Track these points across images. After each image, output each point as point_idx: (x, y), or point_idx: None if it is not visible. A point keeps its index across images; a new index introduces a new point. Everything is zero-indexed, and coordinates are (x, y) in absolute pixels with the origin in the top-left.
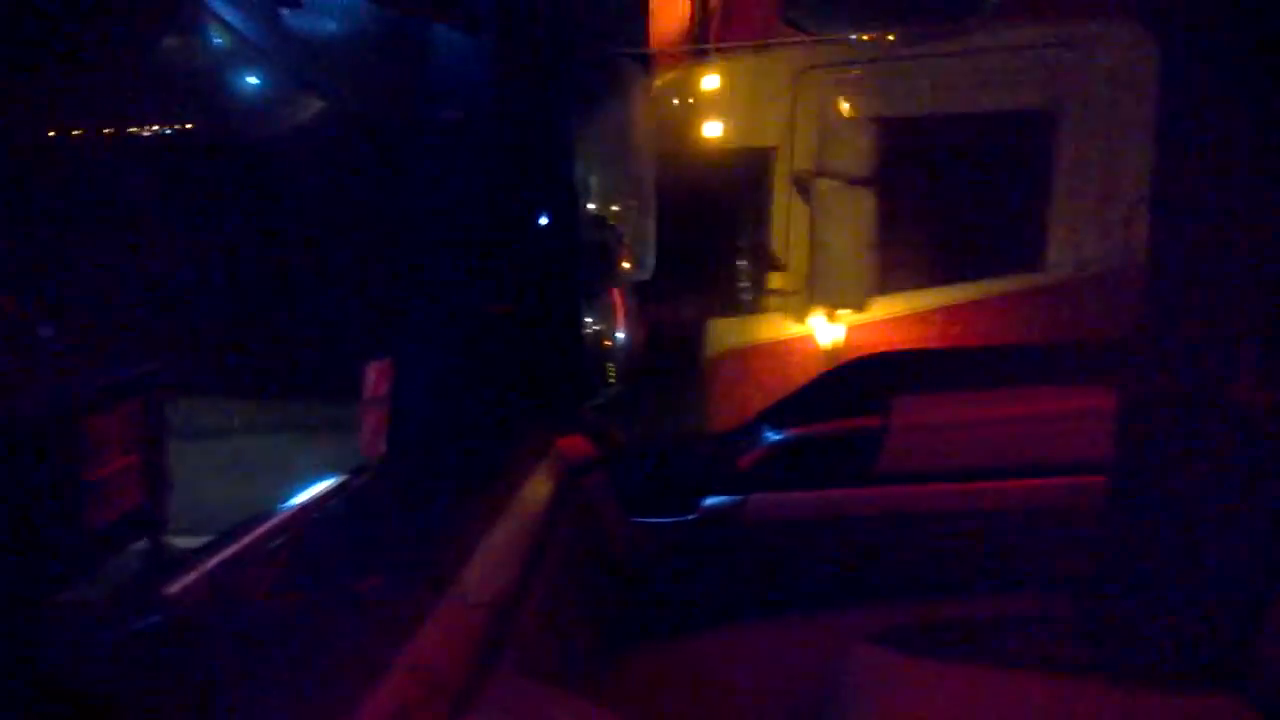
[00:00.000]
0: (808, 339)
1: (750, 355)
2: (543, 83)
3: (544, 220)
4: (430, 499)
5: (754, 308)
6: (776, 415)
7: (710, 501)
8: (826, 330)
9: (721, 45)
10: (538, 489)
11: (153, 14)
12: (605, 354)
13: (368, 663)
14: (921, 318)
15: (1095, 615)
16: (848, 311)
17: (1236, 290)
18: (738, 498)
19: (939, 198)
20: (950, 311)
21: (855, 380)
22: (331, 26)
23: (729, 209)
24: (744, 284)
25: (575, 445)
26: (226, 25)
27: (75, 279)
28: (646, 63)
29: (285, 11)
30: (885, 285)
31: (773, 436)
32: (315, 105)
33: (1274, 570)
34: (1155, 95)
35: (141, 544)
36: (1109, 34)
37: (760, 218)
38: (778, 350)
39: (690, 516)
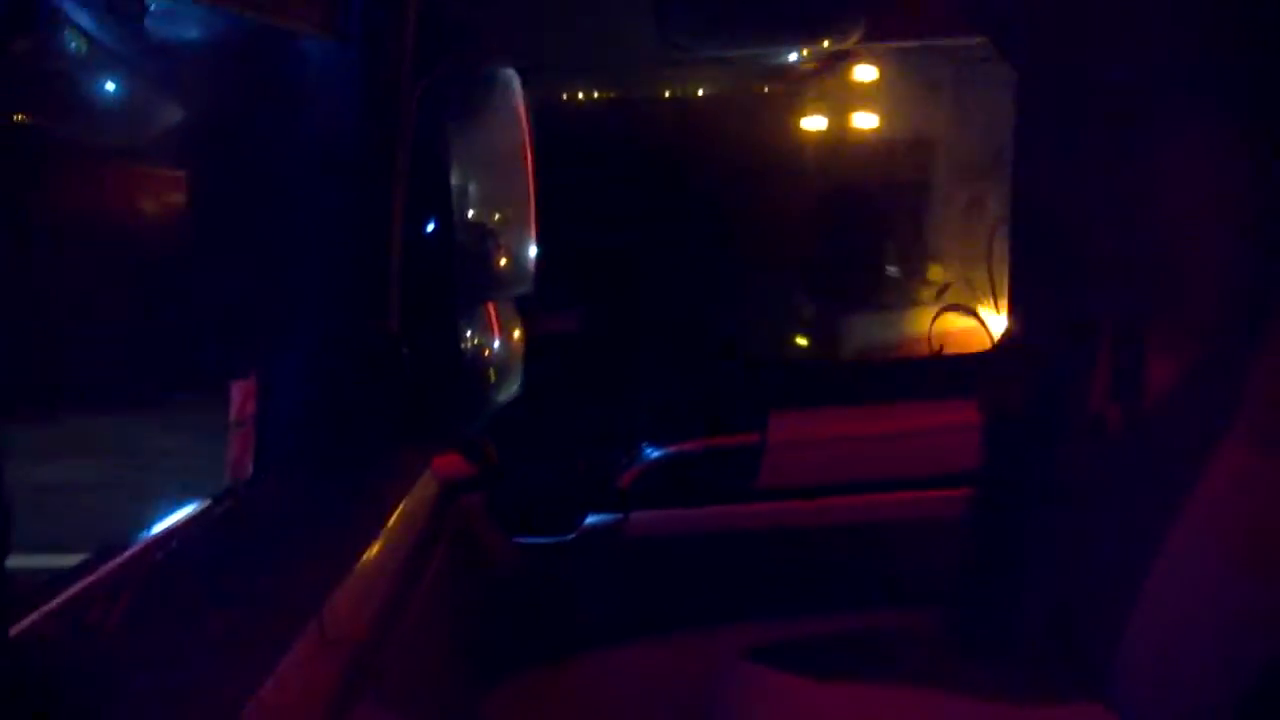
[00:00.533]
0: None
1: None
2: (411, 93)
3: (415, 231)
4: (295, 526)
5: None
6: (653, 430)
7: (591, 520)
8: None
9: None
10: (411, 510)
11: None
12: (484, 369)
13: (219, 703)
14: None
15: (963, 628)
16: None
17: (1090, 304)
18: (618, 515)
19: None
20: None
21: (732, 395)
22: (194, 34)
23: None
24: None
25: (452, 464)
26: (82, 30)
27: None
28: (525, 73)
29: (146, 18)
30: None
31: (652, 453)
32: (177, 113)
33: (1133, 580)
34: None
35: None
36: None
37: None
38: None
39: (570, 536)
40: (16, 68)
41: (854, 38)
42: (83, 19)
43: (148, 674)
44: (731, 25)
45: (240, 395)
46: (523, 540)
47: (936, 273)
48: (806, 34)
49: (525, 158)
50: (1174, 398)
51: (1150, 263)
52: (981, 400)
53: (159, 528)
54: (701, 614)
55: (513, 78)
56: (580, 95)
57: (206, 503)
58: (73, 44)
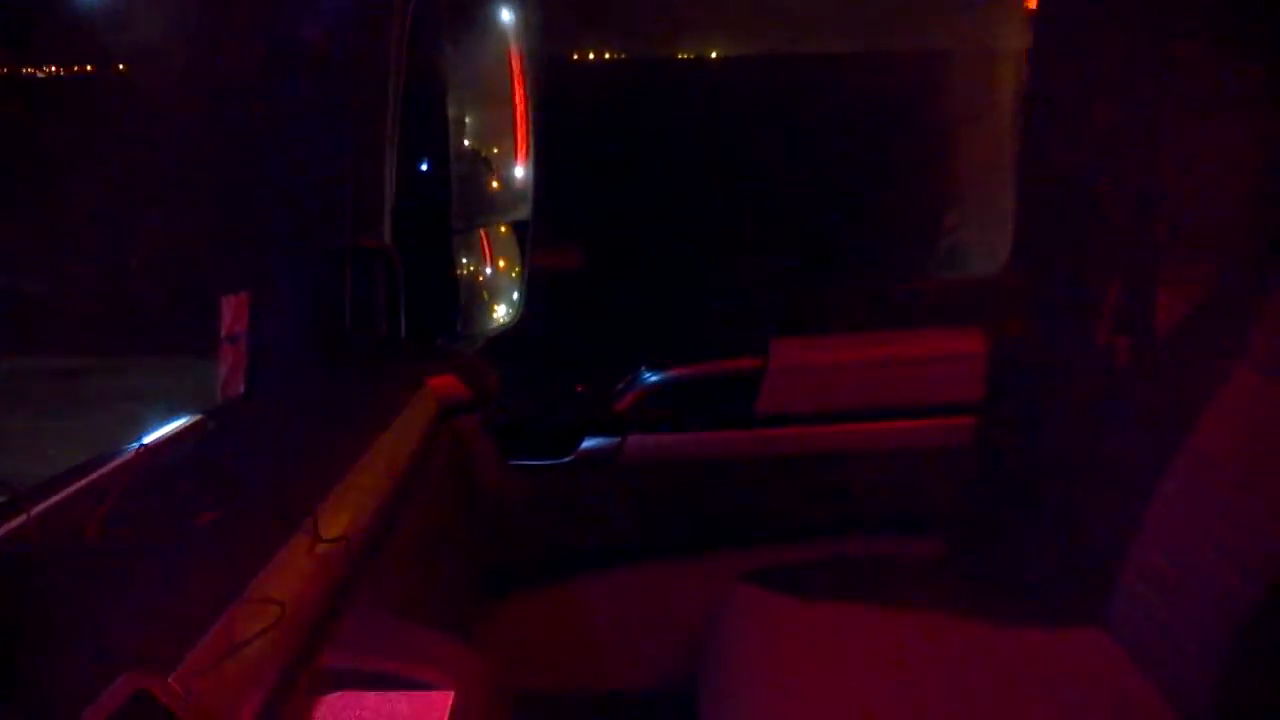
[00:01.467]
0: None
1: None
2: (406, 10)
3: (413, 151)
4: (289, 437)
5: None
6: (654, 355)
7: (587, 443)
8: None
9: None
10: (406, 429)
11: None
12: (479, 293)
13: (208, 596)
14: None
15: (964, 556)
16: None
17: (1098, 235)
18: (615, 439)
19: None
20: None
21: (733, 321)
22: None
23: None
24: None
25: (447, 385)
26: None
27: None
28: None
29: None
30: None
31: (650, 377)
32: (165, 19)
33: (1136, 509)
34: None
35: None
36: None
37: None
38: None
39: (567, 458)
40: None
41: None
42: None
43: (132, 573)
44: None
45: (231, 310)
46: (519, 462)
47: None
48: None
49: (516, 81)
50: (1182, 330)
51: (1160, 196)
52: (987, 328)
53: (149, 438)
54: (700, 539)
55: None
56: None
57: (197, 416)
58: None
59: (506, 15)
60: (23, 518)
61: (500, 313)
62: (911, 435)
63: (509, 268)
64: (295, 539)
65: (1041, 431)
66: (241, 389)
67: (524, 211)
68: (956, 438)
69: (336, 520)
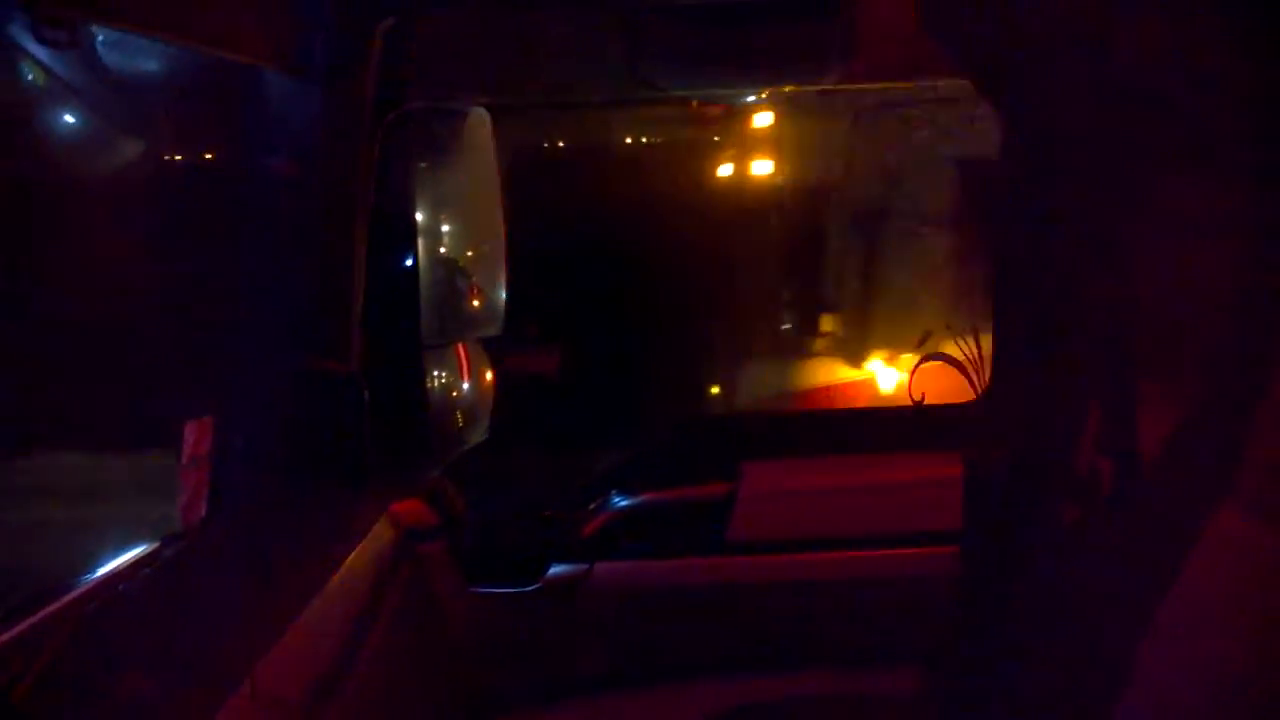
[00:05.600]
0: (867, 383)
1: (800, 400)
2: (375, 129)
3: (380, 270)
4: (243, 573)
5: (800, 352)
6: (621, 479)
7: (554, 570)
8: (888, 374)
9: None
10: (367, 558)
11: None
12: (451, 411)
13: None
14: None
15: (943, 692)
16: (909, 355)
17: (1078, 357)
18: (582, 566)
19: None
20: None
21: (703, 444)
22: (152, 67)
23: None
24: (787, 327)
25: (412, 511)
26: (37, 62)
27: None
28: (496, 111)
29: (102, 50)
30: (951, 328)
31: (619, 502)
32: (136, 148)
33: (1123, 650)
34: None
35: None
36: None
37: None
38: (830, 395)
39: (533, 586)
40: None
41: (831, 79)
42: (37, 50)
43: None
44: (705, 65)
45: (194, 435)
46: (483, 590)
47: (828, 323)
48: (782, 74)
49: (496, 196)
50: (1167, 457)
51: (1142, 315)
52: (965, 454)
53: (103, 570)
54: (668, 670)
55: (484, 115)
56: (547, 139)
57: (154, 545)
58: (29, 75)
59: (481, 126)
60: None
61: (469, 431)
62: (888, 565)
63: (480, 383)
64: (230, 705)
65: (1022, 563)
66: (202, 513)
67: (496, 325)
68: (934, 567)
69: (281, 675)
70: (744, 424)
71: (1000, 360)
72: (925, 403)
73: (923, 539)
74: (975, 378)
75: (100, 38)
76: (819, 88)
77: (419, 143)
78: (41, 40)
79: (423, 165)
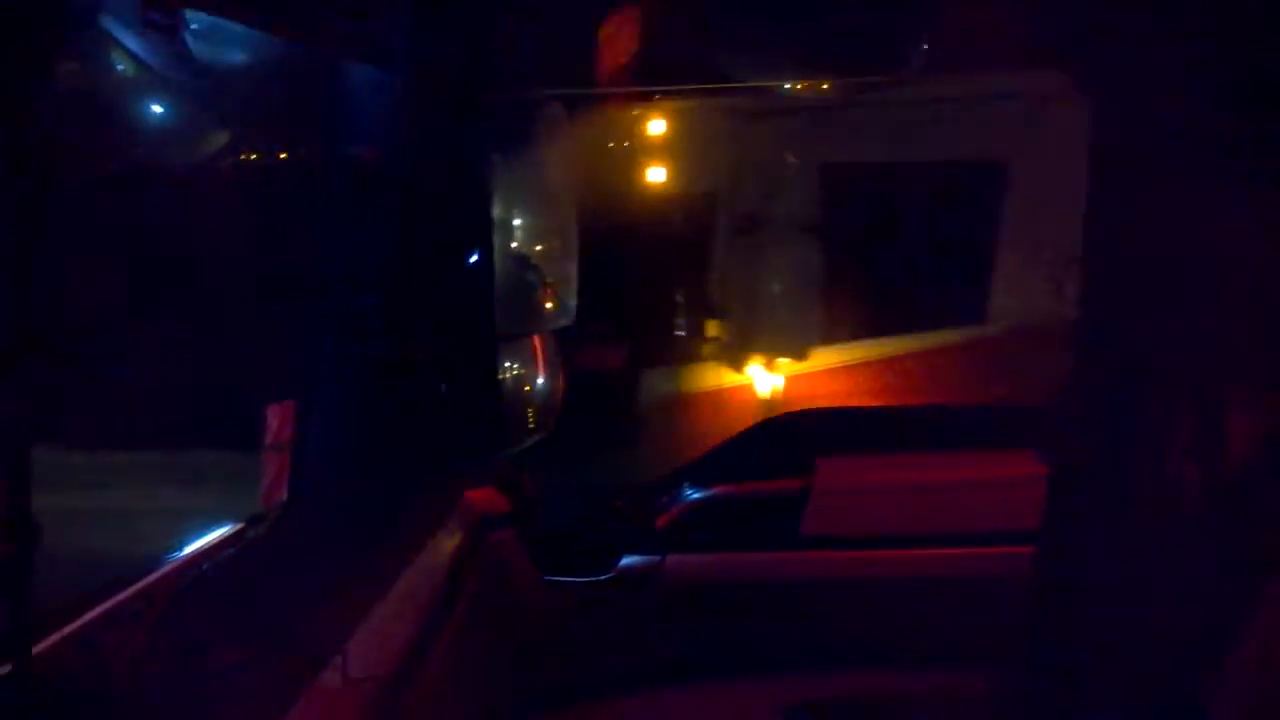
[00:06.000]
0: (745, 388)
1: (687, 404)
2: (458, 120)
3: (457, 261)
4: (325, 558)
5: (691, 356)
6: (697, 472)
7: (627, 561)
8: (765, 379)
9: (666, 89)
10: (442, 545)
11: (50, 38)
12: (524, 402)
13: None
14: (863, 368)
15: (1018, 694)
16: (787, 361)
17: (1169, 359)
18: (655, 557)
19: (885, 247)
20: (891, 363)
21: (779, 439)
22: (241, 57)
23: (662, 255)
24: (680, 332)
25: (485, 498)
26: (128, 52)
27: None
28: (572, 103)
29: (191, 40)
30: (827, 335)
31: (693, 495)
32: (222, 138)
33: (1209, 661)
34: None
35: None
36: (1060, 90)
37: (698, 264)
38: (715, 400)
39: (605, 576)
40: (63, 89)
41: (914, 67)
42: (128, 40)
43: (160, 714)
44: (781, 53)
45: (276, 419)
46: (556, 579)
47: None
48: (862, 63)
49: (570, 189)
50: (1258, 464)
51: (1238, 314)
52: (1045, 453)
53: (189, 549)
54: (738, 663)
55: (560, 109)
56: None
57: (238, 526)
58: (119, 65)
59: (557, 119)
60: (56, 636)
61: (542, 421)
62: (963, 563)
63: (552, 374)
64: (323, 680)
65: (1103, 566)
66: (284, 496)
67: (568, 318)
68: (1010, 567)
69: (367, 656)
70: (819, 420)
71: (1083, 358)
72: (1004, 401)
73: (999, 538)
74: None
75: (193, 26)
76: (895, 79)
77: (496, 135)
78: (146, 24)
79: (500, 157)
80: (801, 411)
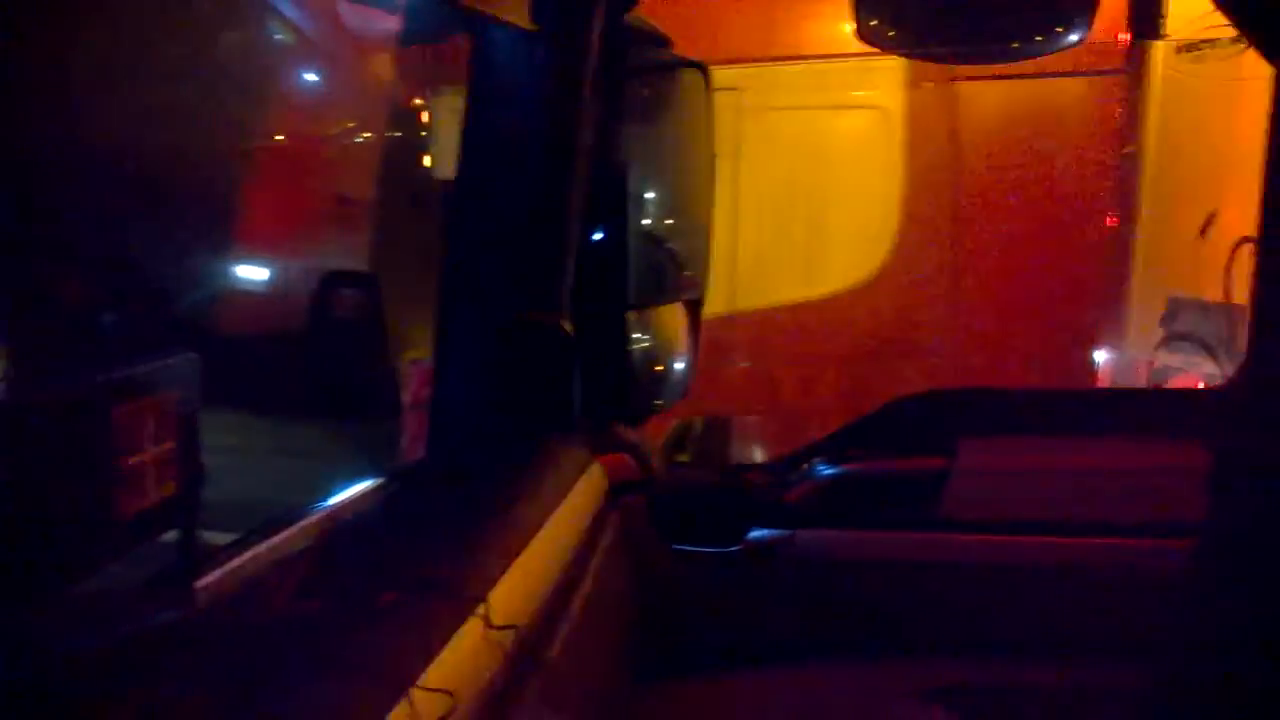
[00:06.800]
0: None
1: None
2: (597, 88)
3: (593, 227)
4: (464, 512)
5: None
6: (831, 448)
7: (755, 534)
8: None
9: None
10: (576, 508)
11: (214, 8)
12: (656, 370)
13: (388, 680)
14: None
15: (1171, 695)
16: None
17: None
18: (785, 532)
19: None
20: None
21: (915, 417)
22: (389, 25)
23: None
24: None
25: (616, 463)
26: (287, 21)
27: (133, 272)
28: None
29: (344, 8)
30: None
31: (826, 470)
32: (371, 104)
33: None
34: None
35: (172, 536)
36: None
37: None
38: None
39: (733, 548)
40: (227, 59)
41: (1084, 32)
42: (286, 8)
43: (317, 649)
44: (943, 17)
45: (417, 379)
46: (683, 548)
47: None
48: (1033, 27)
49: (709, 158)
50: None
51: None
52: (1212, 443)
53: (334, 500)
54: (867, 644)
55: (699, 75)
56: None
57: (380, 480)
58: (278, 35)
59: (697, 84)
60: (219, 571)
61: (671, 390)
62: (1112, 553)
63: (682, 344)
64: (468, 625)
65: (1270, 567)
66: (422, 453)
67: (700, 290)
68: (1165, 562)
69: (508, 606)
70: (957, 398)
71: (1259, 345)
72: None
73: (1150, 529)
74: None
75: None
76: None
77: (636, 101)
78: None
79: (639, 124)
80: (939, 389)
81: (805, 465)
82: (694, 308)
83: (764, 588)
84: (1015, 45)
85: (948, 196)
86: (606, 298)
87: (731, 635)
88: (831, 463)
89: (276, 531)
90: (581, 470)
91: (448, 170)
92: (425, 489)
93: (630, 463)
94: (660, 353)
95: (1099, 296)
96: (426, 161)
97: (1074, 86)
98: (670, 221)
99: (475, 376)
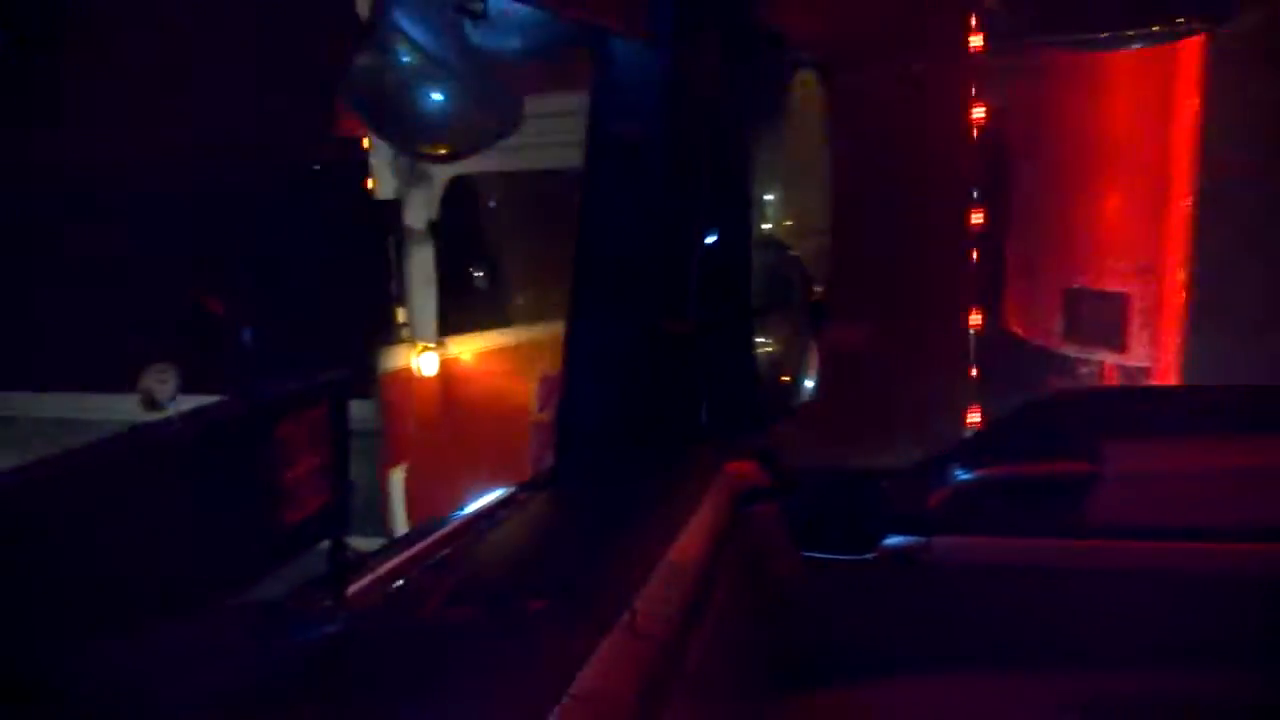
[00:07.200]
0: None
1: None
2: (717, 97)
3: (716, 235)
4: (600, 521)
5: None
6: (967, 453)
7: (891, 541)
8: (429, 359)
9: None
10: (708, 515)
11: (349, 32)
12: (781, 377)
13: (537, 689)
14: (491, 354)
15: None
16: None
17: None
18: (922, 539)
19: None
20: (515, 350)
21: (1053, 420)
22: (514, 43)
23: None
24: None
25: (746, 471)
26: (413, 42)
27: (271, 290)
28: (826, 71)
29: (469, 27)
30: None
31: (963, 475)
32: (494, 122)
33: None
34: None
35: (324, 545)
36: None
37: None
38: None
39: (868, 555)
40: (357, 80)
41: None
42: (414, 30)
43: (471, 653)
44: (1070, 7)
45: (545, 391)
46: (815, 555)
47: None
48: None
49: (826, 161)
50: None
51: None
52: None
53: (469, 509)
54: (1005, 654)
55: (816, 78)
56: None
57: (511, 490)
58: (405, 57)
59: (815, 87)
60: (369, 578)
61: (796, 396)
62: (1266, 560)
63: (807, 351)
64: (615, 634)
65: None
66: (550, 464)
67: (822, 293)
68: None
69: (649, 615)
70: (1094, 400)
71: None
72: None
73: None
74: None
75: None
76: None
77: (754, 107)
78: (460, 10)
79: (758, 127)
80: (1073, 391)
81: (941, 471)
82: (817, 311)
83: (900, 596)
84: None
85: None
86: (730, 304)
87: (866, 644)
88: (968, 468)
89: (420, 539)
90: (712, 478)
91: None
92: (557, 497)
93: (760, 469)
94: (785, 358)
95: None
96: None
97: None
98: (792, 225)
99: (603, 385)
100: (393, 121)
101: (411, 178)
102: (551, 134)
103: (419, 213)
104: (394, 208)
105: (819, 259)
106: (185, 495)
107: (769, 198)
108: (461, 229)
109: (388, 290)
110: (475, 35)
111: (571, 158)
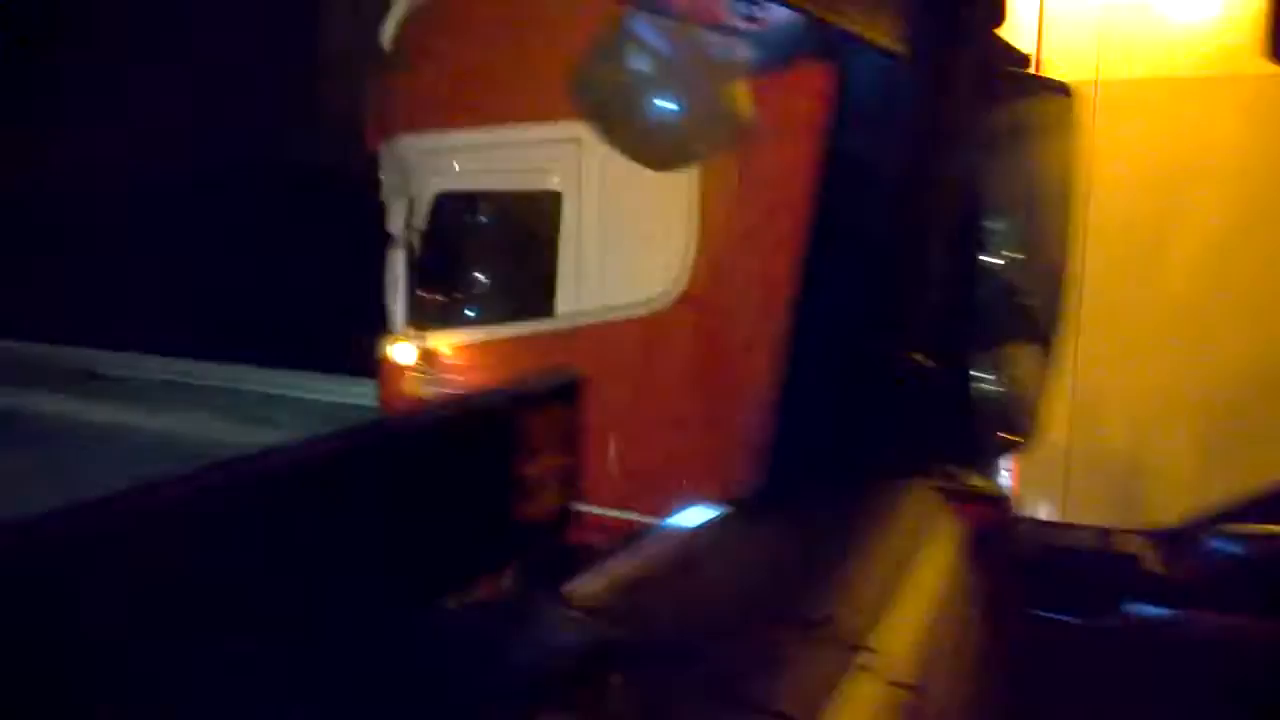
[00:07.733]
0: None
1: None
2: (967, 118)
3: (943, 262)
4: (822, 548)
5: None
6: (1233, 517)
7: (1135, 608)
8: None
9: None
10: (934, 558)
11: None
12: (1002, 412)
13: None
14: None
15: None
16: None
17: None
18: (1170, 611)
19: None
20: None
21: None
22: (746, 52)
23: None
24: None
25: (974, 514)
26: (650, 49)
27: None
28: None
29: (707, 35)
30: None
31: (1223, 546)
32: (724, 133)
33: None
34: None
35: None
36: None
37: None
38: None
39: (1107, 622)
40: (591, 85)
41: None
42: (650, 36)
43: (719, 686)
44: None
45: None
46: (1045, 613)
47: None
48: None
49: (1069, 188)
50: None
51: None
52: None
53: (681, 521)
54: None
55: (1067, 102)
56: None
57: (722, 507)
58: (641, 65)
59: (1064, 111)
60: (598, 579)
61: (1019, 433)
62: None
63: (1030, 387)
64: (858, 676)
65: None
66: (757, 485)
67: (1053, 330)
68: None
69: (889, 657)
70: None
71: None
72: None
73: None
74: None
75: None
76: None
77: (1001, 132)
78: (740, 18)
79: (1000, 152)
80: None
81: (1199, 535)
82: (1045, 347)
83: (1141, 672)
84: None
85: None
86: (963, 336)
87: (1103, 718)
88: (1230, 538)
89: (637, 548)
90: (936, 518)
91: None
92: (770, 521)
93: (989, 514)
94: (1010, 395)
95: None
96: None
97: None
98: (1024, 258)
99: (820, 409)
100: (623, 127)
101: (403, 190)
102: (529, 161)
103: (407, 220)
104: (389, 214)
105: (1054, 295)
106: (431, 485)
107: (1004, 226)
108: (443, 237)
109: (381, 286)
110: (714, 46)
111: (543, 182)
